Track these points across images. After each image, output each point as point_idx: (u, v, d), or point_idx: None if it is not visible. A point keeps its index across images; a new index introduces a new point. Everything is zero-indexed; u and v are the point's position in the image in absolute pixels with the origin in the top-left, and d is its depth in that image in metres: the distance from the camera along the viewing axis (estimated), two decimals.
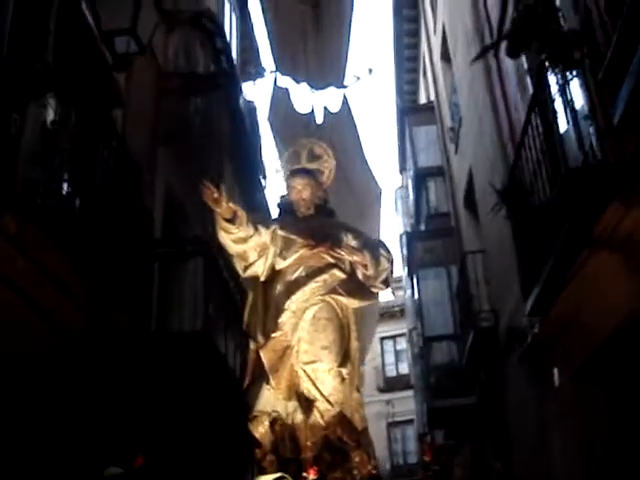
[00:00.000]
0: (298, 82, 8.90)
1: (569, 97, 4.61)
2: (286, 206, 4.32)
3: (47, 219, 4.31)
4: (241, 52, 10.24)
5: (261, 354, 3.77)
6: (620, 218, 4.38)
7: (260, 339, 3.86)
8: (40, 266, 4.23)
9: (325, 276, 3.94)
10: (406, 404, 21.71)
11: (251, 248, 3.94)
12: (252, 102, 11.90)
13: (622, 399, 5.22)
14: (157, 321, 6.67)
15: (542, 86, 4.79)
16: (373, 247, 4.10)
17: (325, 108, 9.20)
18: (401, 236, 17.05)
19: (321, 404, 3.68)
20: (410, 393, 20.28)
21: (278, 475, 3.52)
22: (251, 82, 11.26)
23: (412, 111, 14.28)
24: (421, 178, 13.01)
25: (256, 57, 11.54)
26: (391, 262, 4.12)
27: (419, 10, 14.44)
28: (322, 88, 8.91)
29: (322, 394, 3.69)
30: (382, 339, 24.63)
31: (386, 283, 4.11)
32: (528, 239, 6.01)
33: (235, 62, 9.56)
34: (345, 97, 8.76)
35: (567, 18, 5.00)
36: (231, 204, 3.83)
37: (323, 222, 4.24)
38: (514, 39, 4.81)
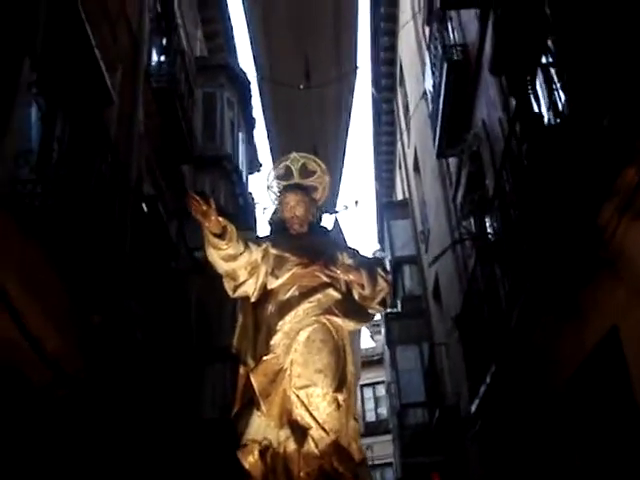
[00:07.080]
0: None
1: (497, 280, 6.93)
2: (278, 223, 4.16)
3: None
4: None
5: (251, 378, 3.56)
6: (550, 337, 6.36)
7: (250, 362, 3.65)
8: None
9: (319, 296, 3.72)
10: (385, 448, 22.62)
11: (241, 266, 3.76)
12: (251, 194, 14.08)
13: None
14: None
15: (477, 271, 7.07)
16: (370, 266, 3.88)
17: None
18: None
19: (315, 432, 3.45)
20: (389, 437, 21.46)
21: None
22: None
23: (390, 206, 16.59)
24: (397, 265, 15.24)
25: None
26: (389, 282, 3.93)
27: (394, 117, 16.79)
28: None
29: (316, 421, 3.46)
30: (362, 386, 25.51)
31: (384, 304, 3.92)
32: (472, 356, 8.22)
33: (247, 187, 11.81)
34: (336, 219, 10.72)
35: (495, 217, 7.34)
36: (221, 218, 3.59)
37: (317, 240, 4.06)
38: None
